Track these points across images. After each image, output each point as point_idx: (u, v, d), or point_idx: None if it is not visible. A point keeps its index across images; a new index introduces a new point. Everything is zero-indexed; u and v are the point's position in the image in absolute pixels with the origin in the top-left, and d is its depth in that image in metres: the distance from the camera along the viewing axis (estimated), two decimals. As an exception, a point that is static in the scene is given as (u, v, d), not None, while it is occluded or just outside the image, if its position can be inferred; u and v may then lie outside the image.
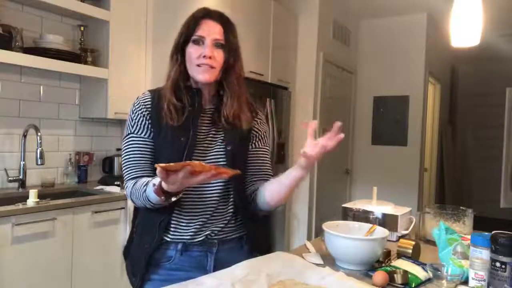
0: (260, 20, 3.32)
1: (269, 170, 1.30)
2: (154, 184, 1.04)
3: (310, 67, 3.89)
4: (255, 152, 1.28)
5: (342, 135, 1.04)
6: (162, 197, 1.04)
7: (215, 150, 1.21)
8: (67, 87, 2.75)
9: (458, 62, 6.43)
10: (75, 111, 2.80)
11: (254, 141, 1.28)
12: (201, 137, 1.20)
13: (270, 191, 1.19)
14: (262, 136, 1.31)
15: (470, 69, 6.51)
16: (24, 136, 2.45)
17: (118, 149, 3.04)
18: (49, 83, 2.65)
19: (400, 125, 4.54)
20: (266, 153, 1.31)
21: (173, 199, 1.06)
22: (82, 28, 2.67)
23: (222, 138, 1.22)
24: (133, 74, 2.77)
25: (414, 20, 4.45)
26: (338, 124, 1.03)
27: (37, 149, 2.36)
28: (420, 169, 4.51)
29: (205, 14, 1.19)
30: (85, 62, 2.57)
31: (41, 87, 2.61)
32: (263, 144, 1.31)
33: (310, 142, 1.04)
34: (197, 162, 0.94)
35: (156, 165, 0.93)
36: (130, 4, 2.73)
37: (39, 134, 2.38)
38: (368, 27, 4.74)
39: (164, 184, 1.00)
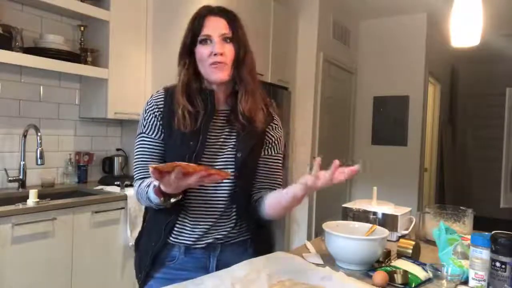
0: (260, 20, 3.32)
1: (278, 179, 1.26)
2: (154, 185, 1.04)
3: (310, 67, 3.89)
4: (265, 160, 1.24)
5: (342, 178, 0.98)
6: (161, 198, 1.05)
7: (225, 155, 1.18)
8: (67, 87, 2.75)
9: (458, 62, 6.42)
10: (75, 111, 2.80)
11: (266, 148, 1.24)
12: (212, 140, 1.17)
13: (271, 205, 1.15)
14: (276, 143, 1.26)
15: (470, 69, 6.51)
16: (24, 136, 2.45)
17: (118, 149, 3.04)
18: (49, 83, 2.65)
19: (400, 125, 4.54)
20: (277, 161, 1.27)
21: (172, 200, 1.06)
22: (82, 28, 2.67)
23: (233, 143, 1.18)
24: (133, 74, 2.77)
25: (414, 20, 4.45)
26: (336, 163, 0.98)
27: (37, 149, 2.36)
28: (420, 169, 4.51)
29: (208, 11, 1.16)
30: (85, 62, 2.57)
31: (41, 87, 2.61)
32: (275, 152, 1.26)
33: (313, 175, 1.00)
34: (186, 163, 0.94)
35: (149, 165, 0.93)
36: (130, 4, 2.73)
37: (39, 134, 2.38)
38: (368, 27, 4.73)
39: (161, 185, 1.00)
